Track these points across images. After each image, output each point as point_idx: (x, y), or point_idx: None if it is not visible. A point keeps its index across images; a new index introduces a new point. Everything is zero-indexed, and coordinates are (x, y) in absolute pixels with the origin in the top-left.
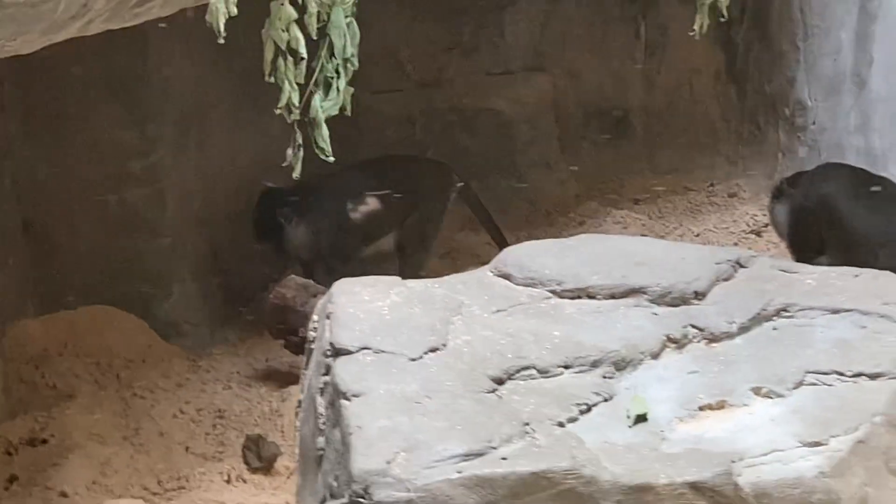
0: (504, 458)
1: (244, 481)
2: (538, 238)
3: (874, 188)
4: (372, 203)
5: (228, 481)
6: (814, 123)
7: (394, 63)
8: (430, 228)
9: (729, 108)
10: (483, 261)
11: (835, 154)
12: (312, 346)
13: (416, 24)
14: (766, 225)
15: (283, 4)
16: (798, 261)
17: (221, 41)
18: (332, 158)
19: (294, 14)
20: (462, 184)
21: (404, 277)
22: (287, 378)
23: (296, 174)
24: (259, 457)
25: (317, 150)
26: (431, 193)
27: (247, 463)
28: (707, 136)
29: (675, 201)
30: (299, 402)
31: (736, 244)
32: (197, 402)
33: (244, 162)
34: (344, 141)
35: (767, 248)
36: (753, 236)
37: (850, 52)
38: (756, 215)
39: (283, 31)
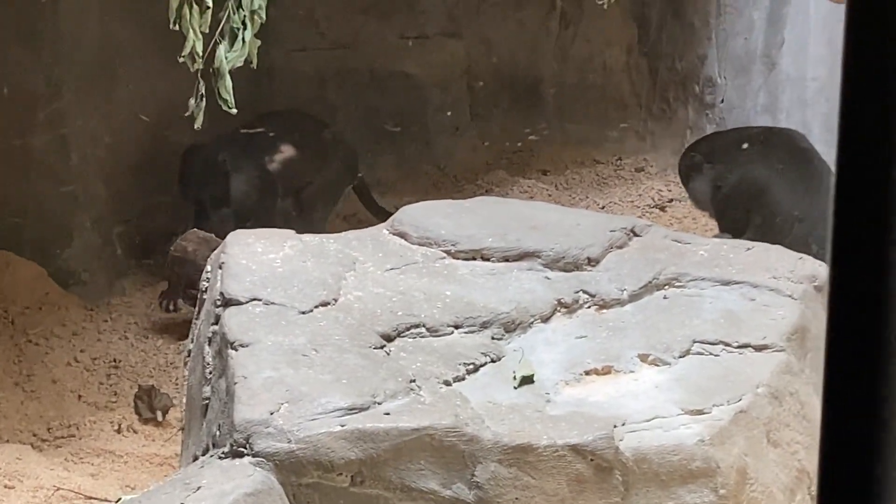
0: (387, 414)
1: (135, 431)
2: None
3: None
4: (290, 151)
5: (119, 431)
6: (722, 101)
7: (309, 23)
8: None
9: (640, 82)
10: None
11: None
12: (205, 296)
13: None
14: (671, 200)
15: None
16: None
17: None
18: (234, 110)
19: None
20: (361, 175)
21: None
22: (184, 331)
23: (197, 125)
24: (151, 408)
25: (219, 101)
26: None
27: (138, 413)
28: (617, 109)
29: (582, 173)
30: (188, 351)
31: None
32: (92, 352)
33: (151, 112)
34: (256, 98)
35: (671, 224)
36: (658, 211)
37: (762, 33)
38: (661, 190)
39: None
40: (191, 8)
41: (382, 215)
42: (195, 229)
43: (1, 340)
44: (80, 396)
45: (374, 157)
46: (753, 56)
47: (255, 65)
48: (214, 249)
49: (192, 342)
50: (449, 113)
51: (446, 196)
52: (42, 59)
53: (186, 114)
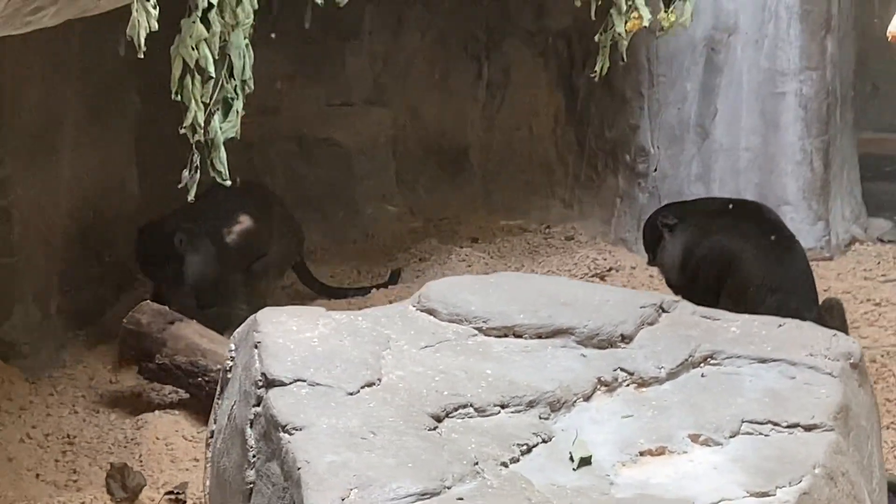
0: (460, 499)
1: None
2: (378, 272)
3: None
4: (247, 221)
5: None
6: (655, 170)
7: None
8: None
9: (567, 151)
10: None
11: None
12: (229, 375)
13: (257, 50)
14: (609, 269)
15: (194, 22)
16: None
17: (141, 56)
18: (228, 182)
19: (205, 32)
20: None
21: None
22: (135, 405)
23: (191, 197)
24: (124, 487)
25: (213, 173)
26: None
27: (111, 493)
28: (543, 177)
29: (512, 241)
30: (212, 432)
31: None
32: (44, 427)
33: (87, 181)
34: (183, 164)
35: None
36: (597, 280)
37: (695, 103)
38: (596, 258)
39: (192, 48)
40: (192, 78)
41: (320, 290)
42: (148, 301)
43: None
44: (38, 475)
45: (302, 225)
46: (686, 126)
47: (238, 136)
48: (170, 322)
49: (215, 423)
50: (374, 181)
51: (378, 264)
52: None
53: (179, 185)
